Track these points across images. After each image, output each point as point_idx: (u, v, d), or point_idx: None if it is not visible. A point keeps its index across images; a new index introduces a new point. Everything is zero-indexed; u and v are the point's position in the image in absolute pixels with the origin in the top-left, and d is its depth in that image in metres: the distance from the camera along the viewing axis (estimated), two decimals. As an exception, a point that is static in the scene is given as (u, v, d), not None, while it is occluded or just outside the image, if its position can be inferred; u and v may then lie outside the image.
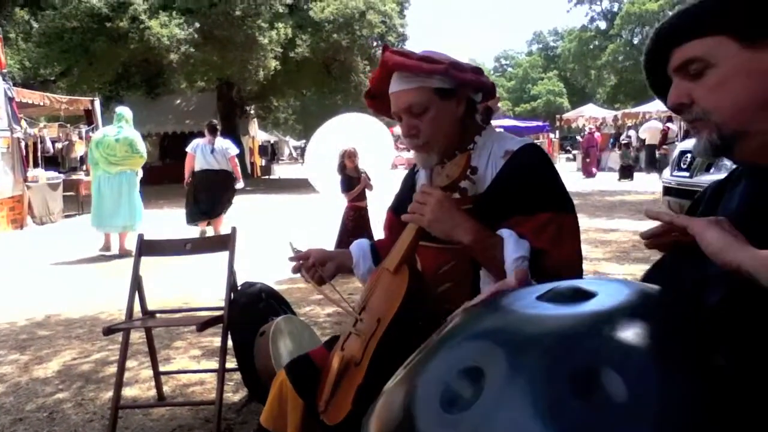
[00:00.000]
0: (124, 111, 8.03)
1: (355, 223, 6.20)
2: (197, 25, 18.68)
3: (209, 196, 8.54)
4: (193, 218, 8.74)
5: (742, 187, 1.13)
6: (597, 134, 22.45)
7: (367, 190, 6.30)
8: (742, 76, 1.07)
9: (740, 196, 1.12)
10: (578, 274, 1.64)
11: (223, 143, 8.75)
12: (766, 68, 1.05)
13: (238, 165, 8.93)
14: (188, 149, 8.63)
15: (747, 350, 0.74)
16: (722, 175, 1.26)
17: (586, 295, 0.85)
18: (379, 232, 6.58)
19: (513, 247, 1.53)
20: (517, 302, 0.90)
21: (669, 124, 18.97)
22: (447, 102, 1.70)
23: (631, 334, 0.73)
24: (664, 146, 18.09)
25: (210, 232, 8.56)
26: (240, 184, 9.03)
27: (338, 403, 1.58)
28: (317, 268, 1.89)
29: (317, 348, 1.89)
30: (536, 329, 0.79)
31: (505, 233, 1.57)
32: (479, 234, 1.56)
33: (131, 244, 7.65)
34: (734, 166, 1.23)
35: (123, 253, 7.84)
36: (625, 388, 0.64)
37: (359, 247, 2.00)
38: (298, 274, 1.92)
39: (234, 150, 8.86)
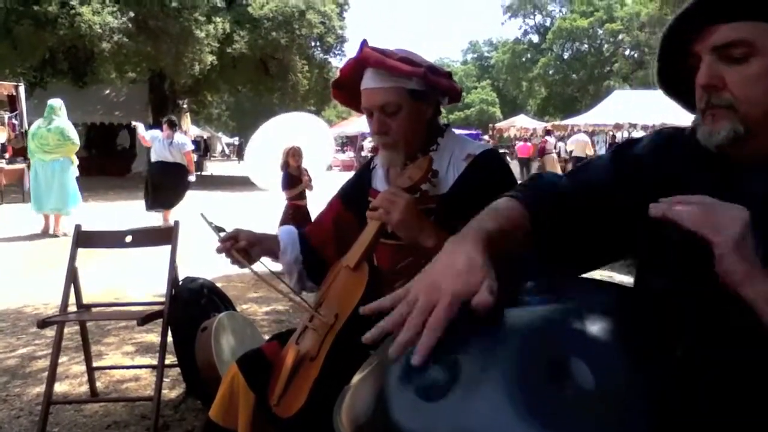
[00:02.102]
0: (54, 103, 8.52)
1: (295, 221, 6.15)
2: (131, 14, 18.09)
3: (165, 186, 9.13)
4: (150, 206, 9.37)
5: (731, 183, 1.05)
6: (529, 144, 23.10)
7: (307, 190, 6.29)
8: None
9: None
10: None
11: (180, 138, 9.44)
12: None
13: (192, 160, 9.60)
14: (147, 138, 9.37)
15: (708, 344, 0.80)
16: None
17: (552, 290, 0.90)
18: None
19: None
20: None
21: (547, 137, 20.06)
22: (419, 104, 1.73)
23: (595, 326, 0.77)
24: (540, 158, 19.23)
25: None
26: (192, 178, 9.51)
27: (292, 397, 1.60)
28: (248, 250, 1.83)
29: (269, 343, 1.89)
30: (507, 320, 0.82)
31: None
32: (441, 238, 1.59)
33: (66, 228, 8.37)
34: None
35: (56, 234, 8.46)
36: (591, 377, 0.68)
37: (288, 233, 1.97)
38: (229, 264, 1.84)
39: (190, 146, 9.61)
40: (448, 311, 0.82)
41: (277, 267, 1.93)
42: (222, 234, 1.83)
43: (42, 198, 8.49)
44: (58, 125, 8.37)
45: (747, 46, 1.00)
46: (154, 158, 9.27)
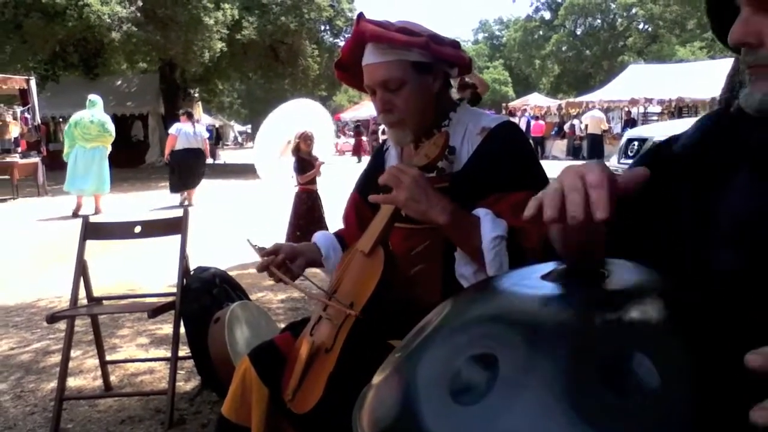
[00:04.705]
0: (96, 99, 9.87)
1: (307, 206, 6.09)
2: (139, 3, 18.02)
3: (188, 169, 10.66)
4: (176, 188, 11.00)
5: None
6: (542, 122, 22.90)
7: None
8: None
9: None
10: None
11: (199, 128, 11.11)
12: None
13: (208, 145, 11.58)
14: (171, 131, 10.78)
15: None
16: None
17: (596, 275, 0.80)
18: (330, 216, 6.42)
19: (490, 227, 1.48)
20: (521, 282, 0.83)
21: (510, 118, 20.14)
22: (424, 77, 1.62)
23: (656, 315, 0.68)
24: None
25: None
26: (210, 160, 11.56)
27: (307, 392, 1.50)
28: (288, 264, 1.76)
29: (282, 334, 1.80)
30: (551, 311, 0.72)
31: (482, 212, 1.51)
32: (455, 214, 1.48)
33: (103, 206, 9.85)
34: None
35: (97, 212, 9.79)
36: (656, 374, 0.58)
37: (326, 238, 1.90)
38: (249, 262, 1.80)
39: (206, 133, 11.39)
40: (604, 176, 0.78)
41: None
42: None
43: (77, 179, 9.62)
44: (99, 118, 9.70)
45: None
46: (179, 146, 10.64)
